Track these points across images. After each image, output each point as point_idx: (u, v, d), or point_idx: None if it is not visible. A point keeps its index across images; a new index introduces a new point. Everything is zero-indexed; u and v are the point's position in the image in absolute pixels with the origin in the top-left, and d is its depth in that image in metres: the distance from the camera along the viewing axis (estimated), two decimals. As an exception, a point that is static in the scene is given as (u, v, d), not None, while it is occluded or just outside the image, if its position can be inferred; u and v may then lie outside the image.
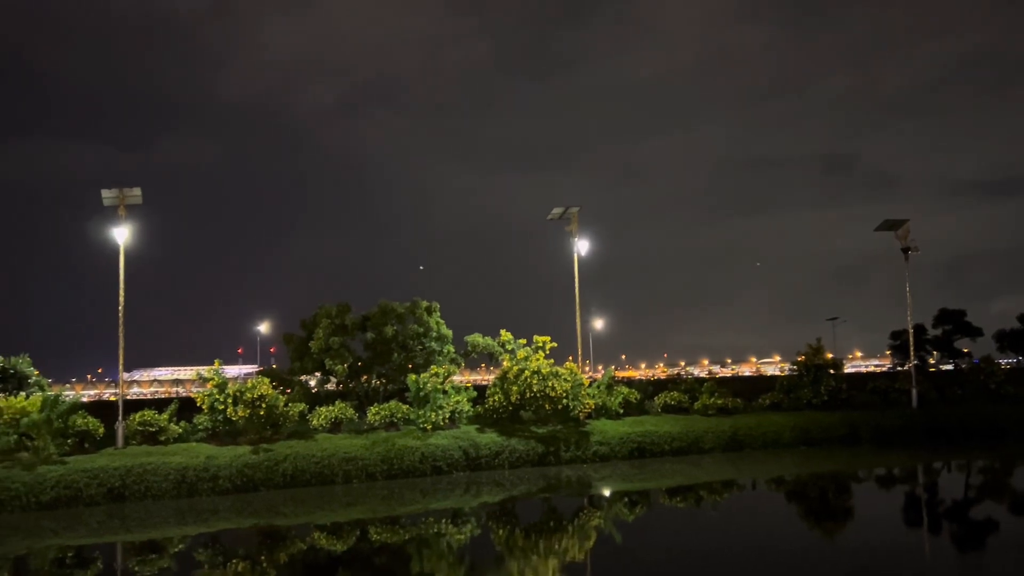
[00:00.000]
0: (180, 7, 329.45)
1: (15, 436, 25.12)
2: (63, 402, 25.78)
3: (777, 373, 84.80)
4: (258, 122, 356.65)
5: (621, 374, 51.19)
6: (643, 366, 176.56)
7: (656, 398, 37.00)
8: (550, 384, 31.29)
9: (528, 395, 31.41)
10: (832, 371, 38.85)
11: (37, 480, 23.42)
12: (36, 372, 28.20)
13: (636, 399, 35.74)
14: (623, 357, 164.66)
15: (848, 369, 72.67)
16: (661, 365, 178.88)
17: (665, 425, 33.52)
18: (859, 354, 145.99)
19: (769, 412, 36.82)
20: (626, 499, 25.73)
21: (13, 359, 27.73)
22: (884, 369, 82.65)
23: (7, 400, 25.41)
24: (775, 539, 18.68)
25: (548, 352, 32.90)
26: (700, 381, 40.21)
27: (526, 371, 31.50)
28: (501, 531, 20.84)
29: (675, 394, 36.80)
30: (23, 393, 26.84)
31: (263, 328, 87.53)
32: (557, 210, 38.09)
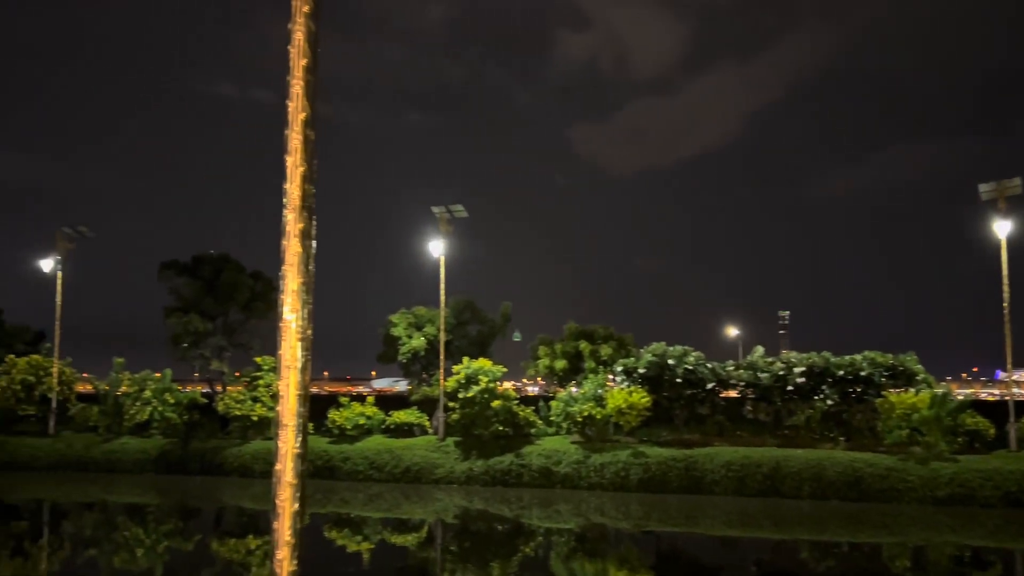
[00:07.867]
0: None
1: (907, 430, 26.41)
2: (952, 400, 26.01)
3: None
4: None
5: None
6: None
7: None
8: None
9: None
10: None
11: (931, 475, 24.16)
12: (922, 370, 28.93)
13: None
14: None
15: None
16: None
17: None
18: None
19: None
20: None
21: (901, 356, 29.03)
22: None
23: (898, 396, 26.87)
24: None
25: None
26: None
27: None
28: None
29: None
30: (912, 390, 27.89)
31: None
32: None
